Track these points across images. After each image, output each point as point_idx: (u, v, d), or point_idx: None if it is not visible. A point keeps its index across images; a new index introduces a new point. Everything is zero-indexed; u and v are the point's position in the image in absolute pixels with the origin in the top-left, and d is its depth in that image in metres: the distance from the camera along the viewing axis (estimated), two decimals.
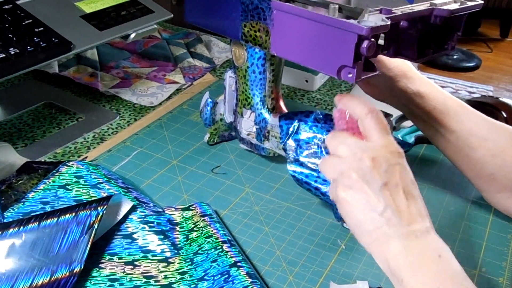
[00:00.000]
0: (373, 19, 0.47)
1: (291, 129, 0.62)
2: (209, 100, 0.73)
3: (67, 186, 0.61)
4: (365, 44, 0.46)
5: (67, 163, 0.64)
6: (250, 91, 0.67)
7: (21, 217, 0.57)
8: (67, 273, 0.50)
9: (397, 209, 0.45)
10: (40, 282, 0.49)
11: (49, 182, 0.62)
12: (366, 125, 0.49)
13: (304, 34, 0.52)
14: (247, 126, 0.70)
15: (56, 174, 0.63)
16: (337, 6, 0.52)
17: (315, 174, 0.59)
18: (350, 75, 0.48)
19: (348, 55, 0.47)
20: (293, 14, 0.52)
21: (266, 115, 0.68)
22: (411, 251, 0.44)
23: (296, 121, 0.62)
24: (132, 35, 0.79)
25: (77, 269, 0.50)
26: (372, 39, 0.46)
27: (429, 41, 0.54)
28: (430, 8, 0.51)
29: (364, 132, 0.49)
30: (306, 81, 0.95)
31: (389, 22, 0.46)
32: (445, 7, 0.51)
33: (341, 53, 0.48)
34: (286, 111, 0.69)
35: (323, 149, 0.59)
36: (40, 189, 0.61)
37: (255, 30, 0.58)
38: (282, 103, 0.70)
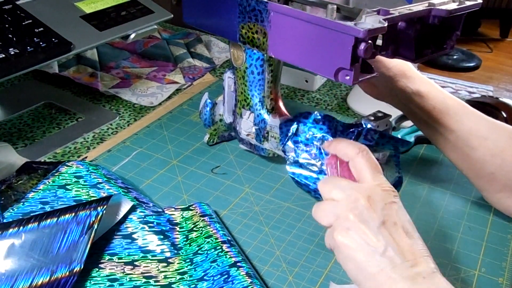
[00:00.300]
0: (370, 21, 0.47)
1: (290, 130, 0.62)
2: (208, 100, 0.73)
3: (66, 186, 0.61)
4: (362, 46, 0.46)
5: (66, 163, 0.64)
6: (249, 92, 0.67)
7: (20, 217, 0.57)
8: (67, 273, 0.50)
9: (399, 248, 0.43)
10: (40, 282, 0.49)
11: (49, 182, 0.62)
12: (357, 165, 0.48)
13: (301, 36, 0.52)
14: (246, 126, 0.70)
15: (56, 174, 0.63)
16: (335, 6, 0.52)
17: (314, 175, 0.59)
18: (348, 78, 0.48)
19: (345, 58, 0.47)
20: (290, 16, 0.52)
21: (265, 115, 0.68)
22: None
23: (295, 122, 0.62)
24: (132, 35, 0.79)
25: (77, 269, 0.50)
26: (369, 41, 0.46)
27: (428, 41, 0.54)
28: (428, 8, 0.51)
29: (356, 173, 0.49)
30: (306, 81, 0.95)
31: (386, 24, 0.46)
32: (443, 7, 0.51)
33: (338, 55, 0.48)
34: (286, 111, 0.69)
35: (322, 150, 0.59)
36: (39, 189, 0.61)
37: (252, 32, 0.58)
38: (281, 104, 0.69)
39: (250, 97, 0.67)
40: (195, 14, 0.66)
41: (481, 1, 0.55)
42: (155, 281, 0.53)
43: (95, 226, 0.52)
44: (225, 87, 0.71)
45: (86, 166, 0.63)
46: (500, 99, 0.83)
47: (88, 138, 0.78)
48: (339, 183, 0.48)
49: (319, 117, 0.61)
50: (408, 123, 0.79)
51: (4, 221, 0.57)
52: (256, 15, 0.57)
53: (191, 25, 0.68)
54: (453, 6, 0.52)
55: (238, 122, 0.70)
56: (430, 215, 0.66)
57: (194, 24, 0.67)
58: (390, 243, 0.43)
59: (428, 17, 0.51)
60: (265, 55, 0.64)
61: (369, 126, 0.62)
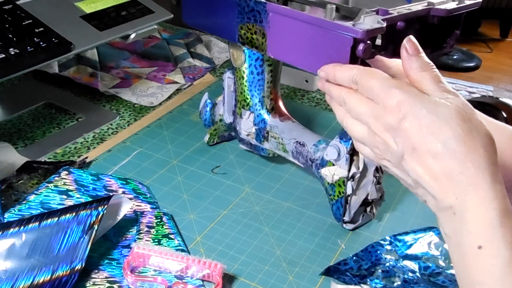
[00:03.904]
0: (369, 21, 0.47)
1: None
2: (208, 101, 0.73)
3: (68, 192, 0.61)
4: (360, 47, 0.46)
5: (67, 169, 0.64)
6: (249, 92, 0.67)
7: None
8: (68, 271, 0.50)
9: None
10: (41, 280, 0.49)
11: (51, 186, 0.62)
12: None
13: (300, 36, 0.52)
14: (246, 126, 0.70)
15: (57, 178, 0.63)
16: (334, 6, 0.52)
17: None
18: None
19: (344, 58, 0.47)
20: (289, 17, 0.52)
21: (265, 115, 0.68)
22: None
23: None
24: (132, 35, 0.79)
25: (78, 267, 0.50)
26: (368, 42, 0.46)
27: (427, 41, 0.54)
28: (427, 8, 0.51)
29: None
30: (306, 81, 0.95)
31: (384, 24, 0.46)
32: (442, 7, 0.51)
33: (337, 55, 0.48)
34: (286, 111, 0.69)
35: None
36: (41, 192, 0.61)
37: (251, 33, 0.58)
38: (281, 104, 0.70)
39: (250, 97, 0.67)
40: (194, 15, 0.66)
41: (481, 0, 0.55)
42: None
43: (96, 227, 0.52)
44: (225, 87, 0.71)
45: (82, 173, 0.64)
46: (500, 99, 0.83)
47: (88, 138, 0.78)
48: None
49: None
50: None
51: (5, 221, 0.57)
52: (255, 16, 0.57)
53: (190, 26, 0.68)
54: (452, 5, 0.52)
55: (238, 122, 0.70)
56: (430, 215, 0.66)
57: (193, 24, 0.67)
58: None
59: (427, 17, 0.51)
60: (264, 55, 0.64)
61: None
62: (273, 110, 0.68)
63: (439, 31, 0.55)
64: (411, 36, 0.44)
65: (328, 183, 0.61)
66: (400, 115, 0.41)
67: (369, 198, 0.61)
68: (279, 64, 0.67)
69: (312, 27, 0.50)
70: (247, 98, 0.68)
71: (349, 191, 0.59)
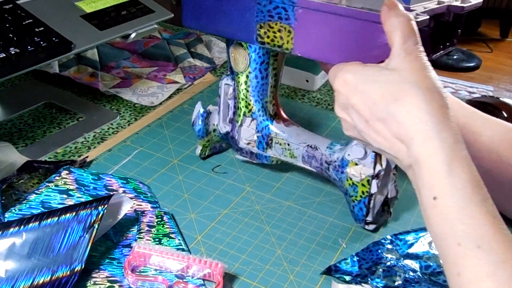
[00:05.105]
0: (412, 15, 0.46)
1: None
2: (202, 110, 0.70)
3: (69, 192, 0.61)
4: None
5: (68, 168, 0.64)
6: (252, 98, 0.65)
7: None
8: (68, 272, 0.50)
9: None
10: (41, 281, 0.49)
11: (51, 186, 0.62)
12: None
13: (339, 31, 0.50)
14: (247, 134, 0.68)
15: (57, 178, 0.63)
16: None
17: None
18: None
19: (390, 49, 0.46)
20: (326, 12, 0.50)
21: (268, 122, 0.66)
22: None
23: None
24: (133, 35, 0.79)
25: (78, 268, 0.50)
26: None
27: (440, 38, 0.54)
28: (446, 5, 0.51)
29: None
30: (307, 81, 0.95)
31: (427, 17, 0.46)
32: (454, 4, 0.52)
33: (385, 47, 0.46)
34: (285, 116, 0.68)
35: None
36: (41, 191, 0.61)
37: (274, 31, 0.55)
38: (281, 109, 0.69)
39: (253, 103, 0.66)
40: (198, 16, 0.62)
41: (482, 0, 0.55)
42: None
43: (96, 226, 0.52)
44: (221, 95, 0.68)
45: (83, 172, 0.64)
46: (501, 99, 0.84)
47: (88, 137, 0.78)
48: None
49: None
50: None
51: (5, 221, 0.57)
52: (279, 13, 0.54)
53: (192, 29, 0.65)
54: (461, 3, 0.53)
55: (237, 131, 0.68)
56: None
57: (196, 27, 0.64)
58: None
59: (443, 14, 0.51)
60: (270, 58, 0.63)
61: None
62: (276, 115, 0.67)
63: (448, 29, 0.55)
64: None
65: (350, 184, 0.60)
66: (345, 93, 0.45)
67: (388, 196, 0.61)
68: (282, 67, 0.66)
69: (356, 20, 0.48)
70: (249, 104, 0.66)
71: (374, 189, 0.59)
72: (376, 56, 0.47)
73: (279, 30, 0.55)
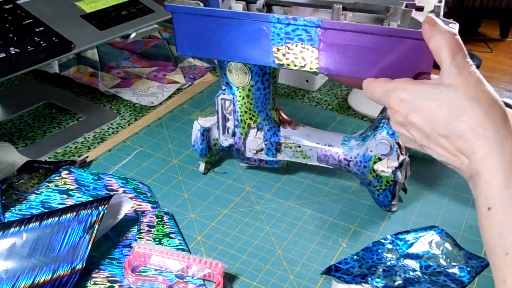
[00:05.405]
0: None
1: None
2: (201, 128, 0.68)
3: (69, 192, 0.61)
4: None
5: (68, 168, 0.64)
6: (256, 109, 0.65)
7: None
8: (69, 271, 0.50)
9: None
10: (42, 280, 0.49)
11: (51, 186, 0.62)
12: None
13: (367, 48, 0.50)
14: (254, 145, 0.67)
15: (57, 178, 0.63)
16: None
17: None
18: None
19: (428, 62, 0.47)
20: (351, 31, 0.50)
21: (275, 128, 0.66)
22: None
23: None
24: (133, 35, 0.79)
25: (79, 267, 0.50)
26: None
27: None
28: None
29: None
30: (307, 80, 0.95)
31: (457, 25, 0.47)
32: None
33: (418, 61, 0.47)
34: (288, 119, 0.68)
35: None
36: (41, 191, 0.61)
37: (294, 53, 0.53)
38: (281, 111, 0.68)
39: (258, 113, 0.65)
40: (197, 43, 0.56)
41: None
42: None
43: (96, 226, 0.52)
44: (218, 110, 0.67)
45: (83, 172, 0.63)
46: (501, 99, 0.83)
47: (88, 137, 0.78)
48: None
49: None
50: None
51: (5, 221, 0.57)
52: (299, 35, 0.52)
53: (189, 56, 0.61)
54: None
55: (242, 143, 0.68)
56: (431, 214, 0.66)
57: (195, 54, 0.59)
58: None
59: None
60: (271, 68, 0.62)
61: None
62: (280, 120, 0.67)
63: None
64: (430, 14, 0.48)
65: (374, 176, 0.63)
66: (404, 112, 0.45)
67: (406, 176, 0.64)
68: (279, 73, 0.66)
69: (383, 38, 0.48)
70: (254, 116, 0.65)
71: (398, 177, 0.62)
72: (416, 69, 0.48)
73: (300, 51, 0.53)
